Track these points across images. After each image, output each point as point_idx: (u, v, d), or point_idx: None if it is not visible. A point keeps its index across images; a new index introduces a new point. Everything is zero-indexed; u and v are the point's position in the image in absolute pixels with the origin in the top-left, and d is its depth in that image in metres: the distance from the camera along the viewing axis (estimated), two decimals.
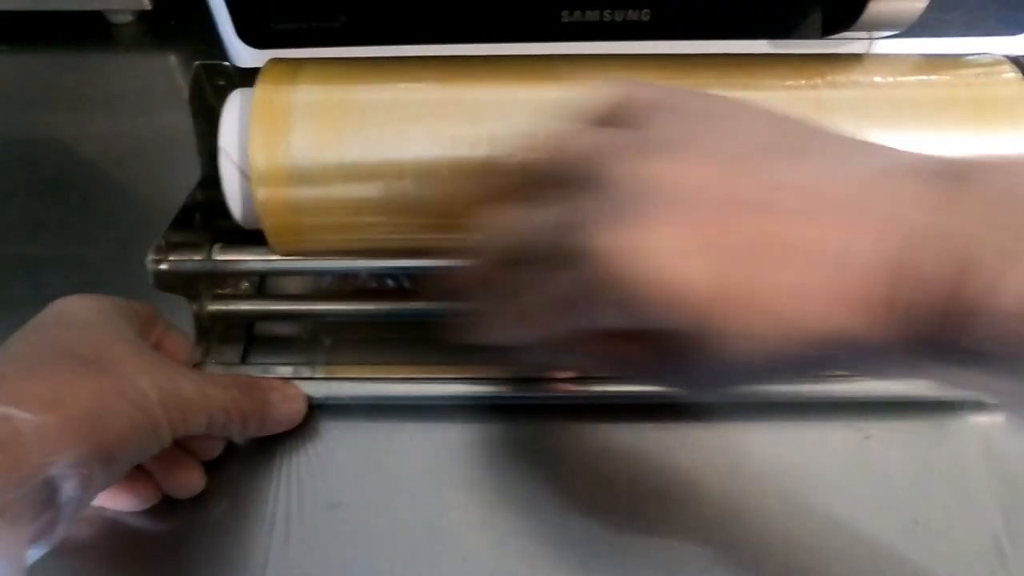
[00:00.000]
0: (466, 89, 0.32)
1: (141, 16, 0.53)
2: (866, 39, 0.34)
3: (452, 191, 0.32)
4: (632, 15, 0.34)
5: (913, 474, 0.34)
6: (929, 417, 0.35)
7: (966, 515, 0.33)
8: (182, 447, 0.32)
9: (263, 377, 0.34)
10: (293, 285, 0.40)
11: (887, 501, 0.33)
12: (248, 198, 0.32)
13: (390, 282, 0.39)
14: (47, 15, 0.50)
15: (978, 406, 0.36)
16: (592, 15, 0.34)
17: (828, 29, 0.33)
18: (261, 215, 0.32)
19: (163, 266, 0.33)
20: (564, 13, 0.34)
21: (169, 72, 0.52)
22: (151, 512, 0.32)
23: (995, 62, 0.33)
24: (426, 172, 0.31)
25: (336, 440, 0.35)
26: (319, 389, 0.35)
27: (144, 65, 0.51)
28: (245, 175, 0.32)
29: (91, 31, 0.52)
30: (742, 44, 0.35)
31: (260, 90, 0.32)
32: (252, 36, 0.34)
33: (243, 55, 0.35)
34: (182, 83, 0.50)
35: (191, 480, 0.32)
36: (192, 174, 0.36)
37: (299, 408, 0.33)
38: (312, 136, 0.31)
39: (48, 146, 0.47)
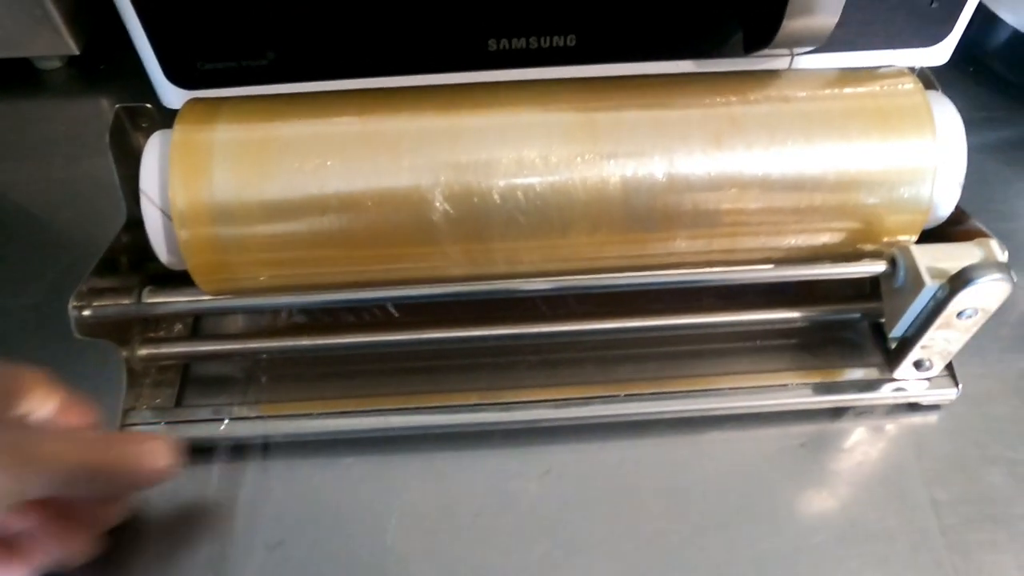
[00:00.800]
0: (385, 120, 0.32)
1: (70, 61, 0.52)
2: (787, 55, 0.35)
3: (376, 222, 0.32)
4: (558, 41, 0.34)
5: (848, 478, 0.34)
6: (862, 422, 0.36)
7: (902, 516, 0.33)
8: (71, 515, 0.30)
9: (127, 432, 0.33)
10: (230, 324, 0.40)
11: (824, 506, 0.33)
12: (172, 239, 0.32)
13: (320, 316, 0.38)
14: None
15: (911, 408, 0.36)
16: (518, 43, 0.34)
17: (749, 47, 0.34)
18: (185, 255, 0.32)
19: (86, 312, 0.32)
20: (491, 42, 0.34)
21: (100, 116, 0.51)
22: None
23: (898, 73, 0.34)
24: (349, 205, 0.31)
25: (275, 478, 0.35)
26: (255, 428, 0.35)
27: (74, 110, 0.51)
28: (168, 216, 0.32)
29: (19, 78, 0.52)
30: (667, 65, 0.36)
31: (179, 131, 0.32)
32: (180, 77, 0.34)
33: (172, 96, 0.35)
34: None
35: (73, 549, 0.30)
36: (121, 219, 0.35)
37: (162, 464, 0.29)
38: (232, 174, 0.31)
39: None
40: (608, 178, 0.32)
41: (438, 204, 0.31)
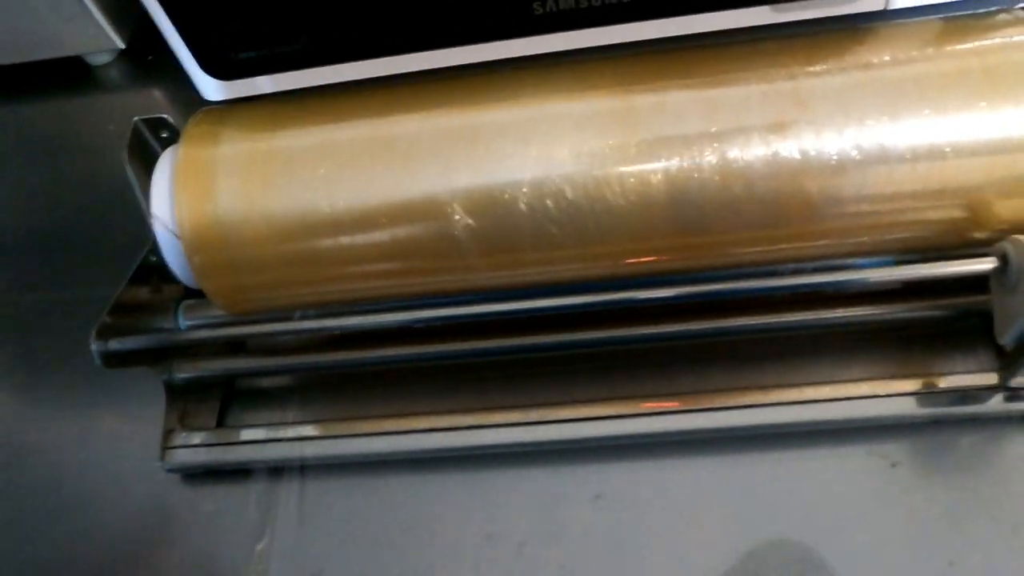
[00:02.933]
0: (397, 122, 0.29)
1: (120, 55, 0.52)
2: None
3: (392, 238, 0.29)
4: None
5: (948, 507, 0.29)
6: (966, 437, 0.31)
7: (1012, 554, 0.28)
8: None
9: None
10: (271, 338, 0.38)
11: (918, 540, 0.29)
12: (187, 263, 0.31)
13: None
14: (29, 66, 0.50)
15: None
16: (566, 3, 0.31)
17: None
18: (199, 281, 0.30)
19: (112, 345, 0.31)
20: (536, 5, 0.31)
21: (153, 107, 0.50)
22: None
23: (1012, 20, 0.27)
24: (361, 222, 0.29)
25: (315, 502, 0.33)
26: (295, 450, 0.34)
27: (125, 104, 0.50)
28: (180, 239, 0.30)
29: (72, 75, 0.51)
30: (739, 15, 0.31)
31: (183, 149, 0.30)
32: (216, 68, 0.33)
33: (210, 88, 0.34)
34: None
35: None
36: None
37: None
38: (239, 193, 0.29)
39: (35, 196, 0.47)
40: (650, 176, 0.27)
41: (457, 217, 0.28)
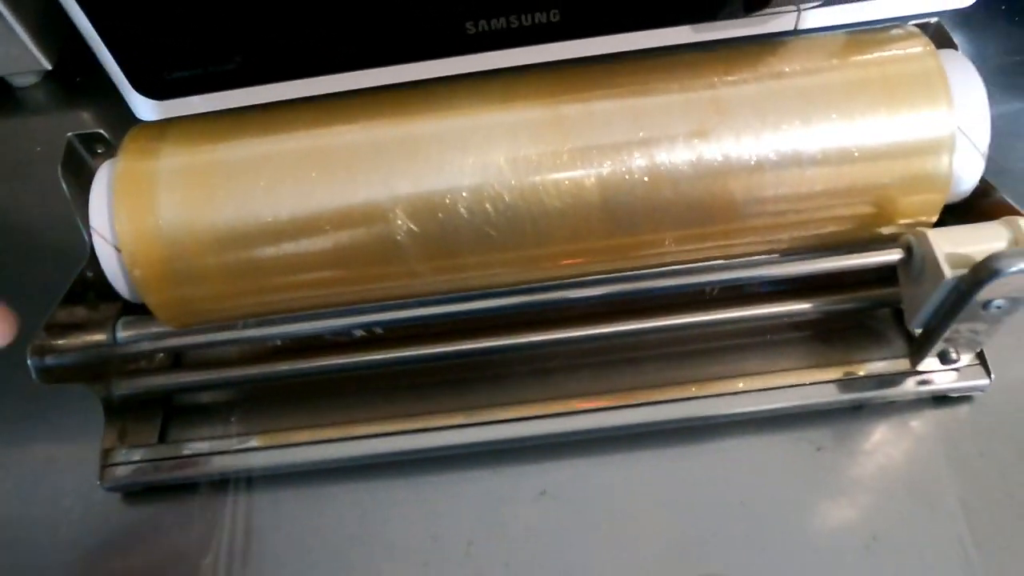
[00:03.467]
0: (337, 133, 0.30)
1: (45, 76, 0.51)
2: (792, 11, 0.31)
3: (336, 245, 0.29)
4: (540, 17, 0.31)
5: (870, 485, 0.31)
6: (885, 420, 0.33)
7: (928, 525, 0.30)
8: None
9: None
10: (211, 351, 0.38)
11: (844, 517, 0.31)
12: (127, 277, 0.31)
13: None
14: None
15: (938, 401, 0.33)
16: (498, 23, 0.32)
17: (750, 6, 0.30)
18: (141, 294, 0.30)
19: (49, 360, 0.31)
20: (468, 25, 0.31)
21: (83, 128, 0.49)
22: None
23: (906, 35, 0.30)
24: (305, 229, 0.29)
25: (261, 515, 0.33)
26: (239, 461, 0.34)
27: (52, 127, 0.49)
28: (120, 252, 0.30)
29: None
30: (660, 34, 0.32)
31: (122, 162, 0.30)
32: (148, 88, 0.33)
33: (144, 108, 0.33)
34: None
35: None
36: None
37: None
38: (181, 205, 0.29)
39: None
40: (583, 180, 0.29)
41: (400, 222, 0.29)
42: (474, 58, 0.32)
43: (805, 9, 0.31)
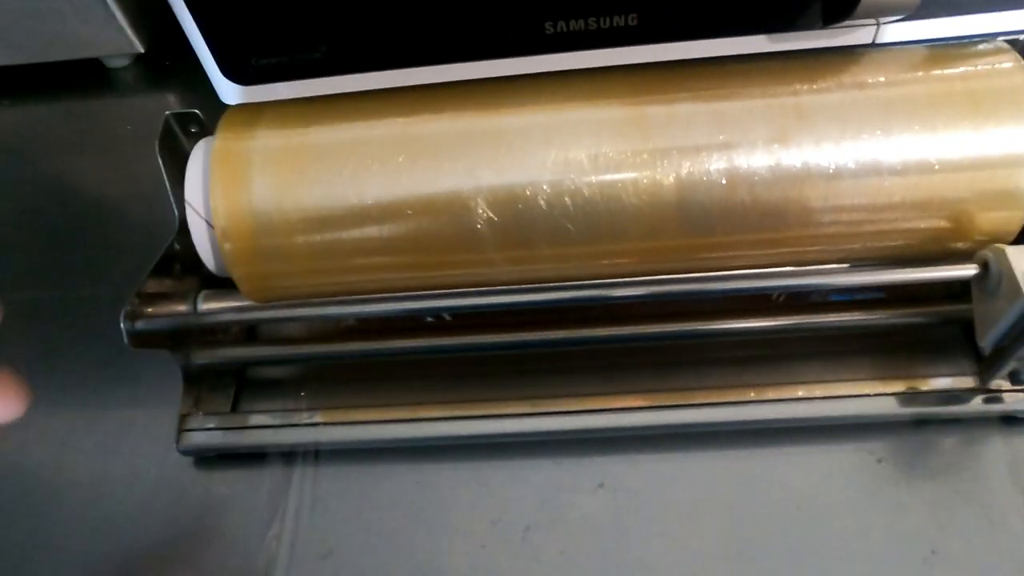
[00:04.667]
0: (424, 122, 0.31)
1: (137, 59, 0.53)
2: (872, 25, 0.32)
3: (417, 231, 0.30)
4: (618, 21, 0.32)
5: (930, 499, 0.31)
6: (948, 436, 0.33)
7: (991, 543, 0.30)
8: None
9: None
10: (286, 327, 0.39)
11: (903, 530, 0.31)
12: (218, 249, 0.32)
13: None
14: (47, 66, 0.51)
15: (1006, 421, 0.33)
16: (576, 25, 0.32)
17: (829, 18, 0.31)
18: (229, 267, 0.32)
19: (139, 325, 0.32)
20: (547, 25, 0.32)
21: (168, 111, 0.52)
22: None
23: (993, 49, 0.30)
24: (388, 214, 0.30)
25: (326, 487, 0.35)
26: (308, 435, 0.35)
27: (141, 107, 0.52)
28: (212, 227, 0.32)
29: (90, 78, 0.53)
30: (736, 43, 0.33)
31: (219, 140, 0.32)
32: (236, 73, 0.34)
33: (229, 92, 0.35)
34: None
35: None
36: None
37: None
38: (272, 184, 0.31)
39: (49, 193, 0.48)
40: (662, 179, 0.29)
41: (480, 211, 0.30)
42: (552, 58, 0.33)
43: (885, 23, 0.31)
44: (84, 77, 0.53)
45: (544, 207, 0.30)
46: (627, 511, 0.32)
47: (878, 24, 0.31)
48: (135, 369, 0.39)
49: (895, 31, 0.31)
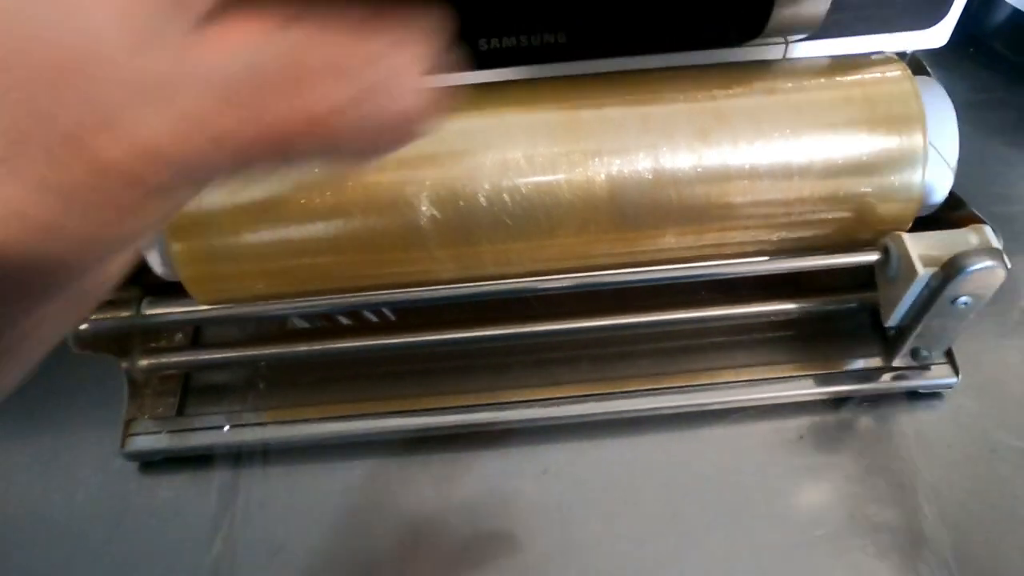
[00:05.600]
0: None
1: None
2: (781, 43, 0.35)
3: (364, 229, 0.32)
4: (548, 39, 0.34)
5: (848, 470, 0.34)
6: (861, 413, 0.36)
7: (903, 507, 0.33)
8: None
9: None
10: (230, 331, 0.40)
11: (824, 496, 0.33)
12: (165, 251, 0.33)
13: (316, 322, 0.39)
14: None
15: (910, 396, 0.36)
16: (509, 41, 0.34)
17: (742, 37, 0.33)
18: (177, 267, 0.32)
19: (83, 326, 0.33)
20: (481, 42, 0.34)
21: None
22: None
23: (885, 60, 0.33)
24: (336, 212, 0.32)
25: (275, 484, 0.35)
26: (255, 434, 0.35)
27: None
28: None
29: None
30: (658, 59, 0.35)
31: None
32: None
33: None
34: None
35: None
36: None
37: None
38: (218, 188, 0.31)
39: None
40: (594, 177, 0.32)
41: (424, 208, 0.31)
42: (485, 73, 0.35)
43: (792, 41, 0.34)
44: None
45: (484, 203, 0.32)
46: (571, 494, 0.34)
47: (786, 42, 0.34)
48: (77, 378, 0.39)
49: (801, 49, 0.35)
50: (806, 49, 0.35)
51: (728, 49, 0.34)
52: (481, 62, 0.34)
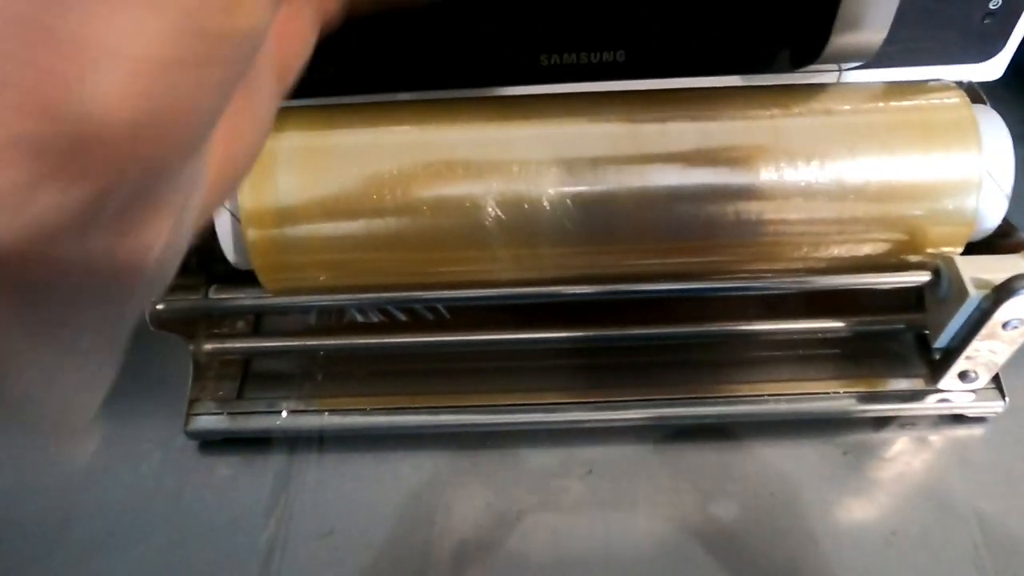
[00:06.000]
0: (440, 130, 0.34)
1: None
2: (834, 71, 0.36)
3: (431, 227, 0.33)
4: (607, 56, 0.35)
5: (891, 488, 0.34)
6: (905, 433, 0.36)
7: (944, 526, 0.33)
8: None
9: None
10: (290, 323, 0.41)
11: (866, 514, 0.34)
12: (239, 239, 0.34)
13: (374, 317, 0.40)
14: None
15: (956, 419, 0.36)
16: (569, 58, 0.36)
17: (797, 62, 0.34)
18: (251, 254, 0.34)
19: (160, 306, 0.34)
20: (542, 57, 0.36)
21: None
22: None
23: (943, 87, 0.34)
24: (405, 210, 0.33)
25: (328, 471, 0.36)
26: (311, 422, 0.37)
27: None
28: (236, 218, 0.34)
29: None
30: (714, 80, 0.37)
31: None
32: None
33: None
34: None
35: None
36: None
37: None
38: (296, 179, 0.33)
39: None
40: (653, 188, 0.33)
41: (490, 210, 0.33)
42: (545, 87, 0.37)
43: (846, 69, 0.35)
44: None
45: (547, 208, 0.33)
46: (613, 496, 0.35)
47: (840, 70, 0.35)
48: (144, 361, 0.40)
49: (855, 76, 0.35)
50: (859, 77, 0.35)
51: (781, 74, 0.35)
52: (542, 76, 0.36)
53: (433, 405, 0.37)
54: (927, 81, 0.35)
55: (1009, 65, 0.35)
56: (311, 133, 0.34)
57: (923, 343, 0.38)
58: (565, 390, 0.37)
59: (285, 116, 0.35)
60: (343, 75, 0.35)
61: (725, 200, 0.33)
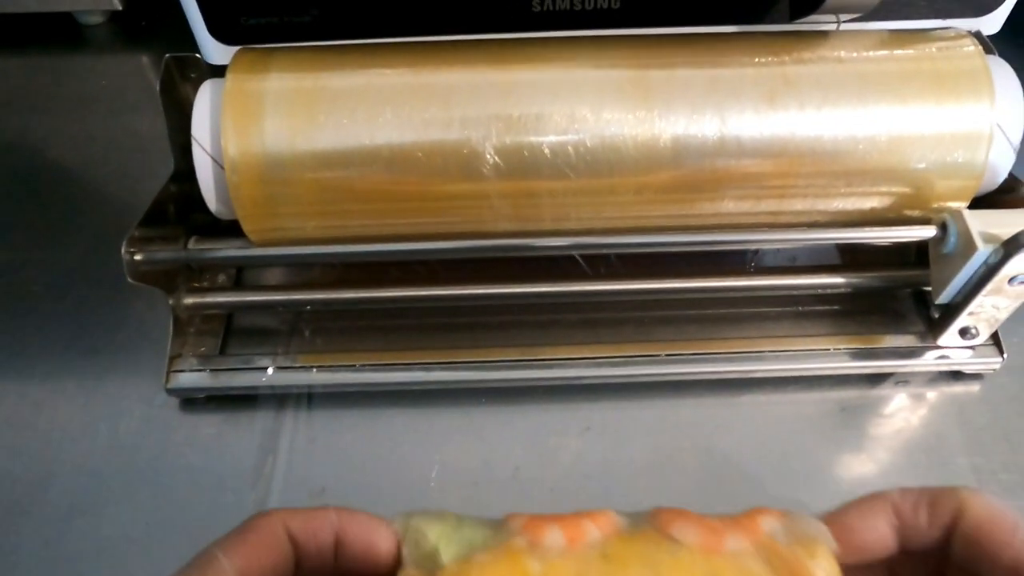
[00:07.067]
0: (436, 73, 0.32)
1: (112, 17, 0.53)
2: (832, 22, 0.35)
3: (426, 173, 0.32)
4: (602, 3, 0.34)
5: (888, 443, 0.34)
6: (903, 389, 0.36)
7: (940, 481, 0.33)
8: None
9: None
10: (272, 277, 0.40)
11: (862, 470, 0.34)
12: (223, 188, 0.32)
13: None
14: (16, 17, 0.50)
15: (953, 376, 0.36)
16: (562, 4, 0.34)
17: (795, 13, 0.33)
18: (235, 204, 0.32)
19: (138, 257, 0.32)
20: (535, 3, 0.34)
21: (141, 72, 0.51)
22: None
23: (957, 35, 0.33)
24: (399, 156, 0.31)
25: (318, 428, 0.35)
26: (298, 378, 0.35)
27: (115, 65, 0.51)
28: (219, 165, 0.32)
29: (62, 33, 0.52)
30: (710, 30, 0.35)
31: (231, 80, 0.32)
32: (223, 32, 0.34)
33: (214, 51, 0.35)
34: (154, 83, 0.49)
35: None
36: (165, 173, 0.35)
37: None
38: (284, 123, 0.31)
39: (19, 148, 0.47)
40: (659, 136, 0.32)
41: (488, 156, 0.31)
42: (537, 35, 0.35)
43: (844, 21, 0.34)
44: (56, 32, 0.52)
45: (548, 155, 0.32)
46: (611, 452, 0.34)
47: (839, 22, 0.34)
48: (122, 317, 0.39)
49: (853, 29, 0.34)
50: (855, 29, 0.34)
51: (779, 25, 0.34)
52: (534, 23, 0.34)
53: (426, 361, 0.36)
54: (940, 29, 0.34)
55: (1007, 20, 0.34)
56: (300, 74, 0.33)
57: (920, 300, 0.38)
58: (562, 346, 0.36)
59: (272, 56, 0.33)
60: (325, 18, 0.33)
61: (732, 149, 0.32)
